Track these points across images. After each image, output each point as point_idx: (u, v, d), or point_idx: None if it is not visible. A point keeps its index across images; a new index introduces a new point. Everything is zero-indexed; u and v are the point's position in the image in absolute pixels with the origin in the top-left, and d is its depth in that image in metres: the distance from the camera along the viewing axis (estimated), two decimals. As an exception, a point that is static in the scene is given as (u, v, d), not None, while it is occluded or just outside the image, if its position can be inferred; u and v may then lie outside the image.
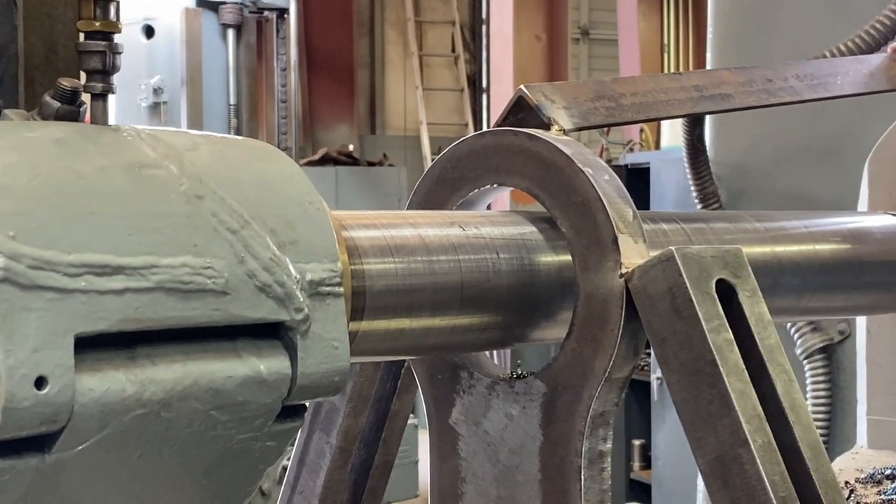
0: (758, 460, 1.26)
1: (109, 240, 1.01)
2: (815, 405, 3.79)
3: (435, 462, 1.51)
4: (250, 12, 10.27)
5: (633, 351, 1.38)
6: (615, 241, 1.35)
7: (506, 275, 1.37)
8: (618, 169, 8.36)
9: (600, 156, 8.88)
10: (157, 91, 10.13)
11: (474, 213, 1.43)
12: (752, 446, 1.27)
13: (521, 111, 1.51)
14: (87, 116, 1.14)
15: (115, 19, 1.12)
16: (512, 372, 1.47)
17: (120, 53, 1.13)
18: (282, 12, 10.42)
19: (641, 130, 9.52)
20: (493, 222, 1.41)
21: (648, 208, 7.66)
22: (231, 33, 10.37)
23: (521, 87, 1.49)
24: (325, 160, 12.71)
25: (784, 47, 3.78)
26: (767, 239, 1.72)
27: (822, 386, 3.80)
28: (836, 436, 3.73)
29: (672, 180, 7.46)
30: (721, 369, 1.29)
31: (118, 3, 1.13)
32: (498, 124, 1.52)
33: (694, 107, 1.62)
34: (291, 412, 1.15)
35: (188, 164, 1.09)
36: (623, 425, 8.48)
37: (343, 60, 15.10)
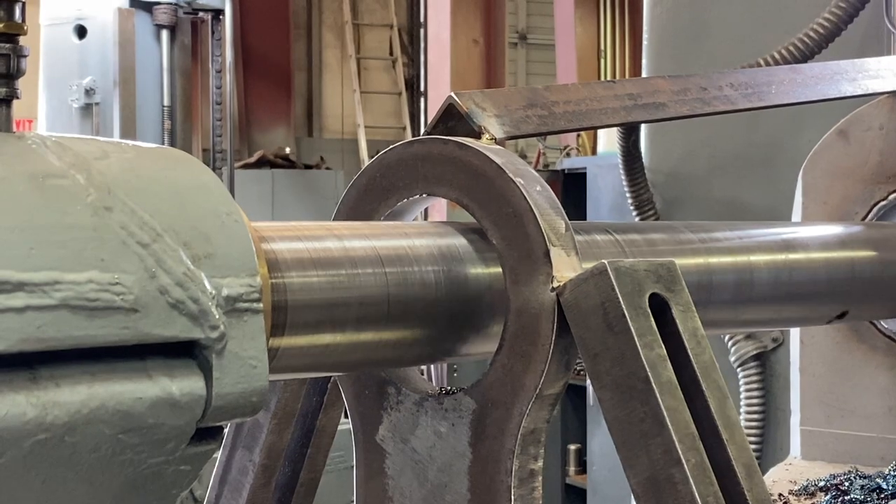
0: (691, 480, 1.23)
1: (9, 254, 0.95)
2: (748, 413, 3.79)
3: (361, 480, 1.46)
4: (185, 13, 10.14)
5: (564, 367, 1.34)
6: (547, 253, 1.32)
7: (433, 288, 1.33)
8: (555, 174, 8.36)
9: (537, 161, 8.90)
10: (88, 92, 9.96)
11: (401, 224, 1.39)
12: (686, 466, 1.23)
13: (452, 119, 1.47)
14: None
15: (20, 21, 1.06)
16: (441, 388, 1.43)
17: (25, 56, 1.07)
18: (217, 13, 10.30)
19: (578, 136, 9.53)
20: (421, 233, 1.36)
21: (585, 214, 7.69)
22: (165, 34, 10.23)
23: (452, 94, 1.45)
24: (261, 163, 12.59)
25: (719, 54, 3.77)
26: (702, 251, 1.69)
27: (755, 394, 3.80)
28: (770, 443, 3.73)
29: (609, 186, 7.47)
30: (654, 386, 1.25)
31: (23, 4, 1.07)
32: (428, 132, 1.47)
33: (627, 115, 1.58)
34: (207, 434, 1.10)
35: (96, 174, 1.03)
36: (559, 429, 8.48)
37: (280, 63, 15.00)
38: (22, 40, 1.08)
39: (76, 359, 0.99)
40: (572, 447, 8.53)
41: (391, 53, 15.51)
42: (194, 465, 1.10)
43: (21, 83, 1.10)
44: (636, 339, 1.26)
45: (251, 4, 13.68)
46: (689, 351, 1.31)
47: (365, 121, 14.69)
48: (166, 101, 10.27)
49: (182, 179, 1.10)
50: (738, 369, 3.85)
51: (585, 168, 7.89)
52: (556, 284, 1.31)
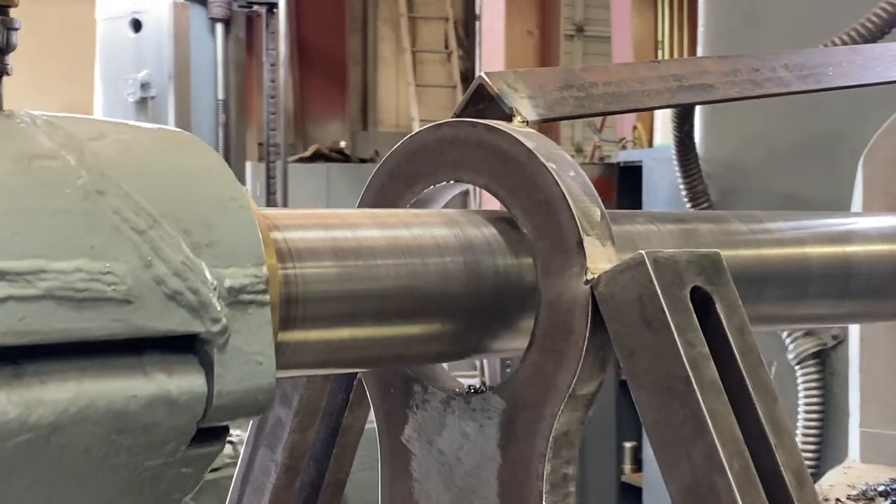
0: (735, 488, 1.13)
1: (-11, 241, 0.88)
2: (807, 413, 3.67)
3: (386, 483, 1.38)
4: (239, 6, 10.13)
5: (599, 365, 1.25)
6: (580, 243, 1.23)
7: (458, 280, 1.24)
8: (610, 167, 8.24)
9: (592, 154, 8.81)
10: (144, 86, 9.97)
11: (425, 212, 1.31)
12: (729, 473, 1.14)
13: (482, 101, 1.38)
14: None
15: (11, -9, 0.99)
16: (469, 386, 1.35)
17: (16, 30, 1.00)
18: (271, 7, 10.28)
19: (634, 128, 9.39)
20: (446, 222, 1.28)
21: (641, 207, 7.56)
22: (220, 27, 10.23)
23: (482, 74, 1.36)
24: (316, 157, 12.56)
25: (776, 41, 3.65)
26: (752, 242, 1.59)
27: (814, 393, 3.68)
28: (830, 445, 3.60)
29: (665, 179, 7.32)
30: (695, 386, 1.16)
31: (14, -26, 1.00)
32: (457, 115, 1.39)
33: (672, 97, 1.49)
34: (210, 435, 1.02)
35: (89, 156, 0.96)
36: (614, 427, 8.37)
37: (335, 56, 14.97)
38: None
39: (64, 354, 0.92)
40: (628, 445, 8.42)
41: (446, 46, 15.43)
42: (197, 468, 1.03)
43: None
44: (676, 335, 1.17)
45: (307, -2, 13.68)
46: (734, 348, 1.22)
47: (420, 114, 14.61)
48: (221, 95, 10.27)
49: (185, 163, 1.02)
50: (797, 367, 3.73)
51: (641, 161, 7.77)
52: (590, 276, 1.22)
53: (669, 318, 1.18)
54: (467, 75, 15.21)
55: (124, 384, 0.94)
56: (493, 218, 1.32)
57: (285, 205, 10.16)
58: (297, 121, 14.28)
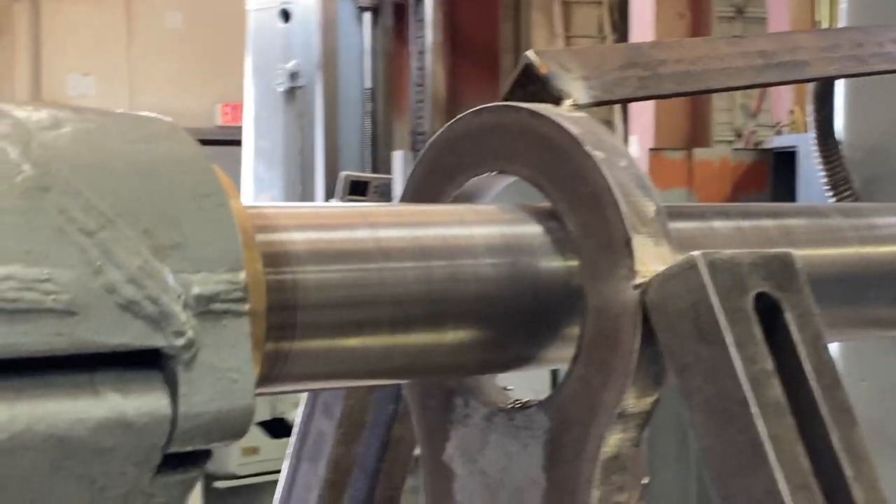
0: (798, 530, 0.98)
1: None
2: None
3: (429, 506, 1.26)
4: (387, -5, 10.14)
5: (653, 380, 1.10)
6: (628, 242, 1.08)
7: (491, 283, 1.11)
8: (762, 154, 7.93)
9: (748, 140, 8.48)
10: (293, 76, 10.07)
11: (459, 209, 1.17)
12: (792, 511, 0.98)
13: (532, 83, 1.24)
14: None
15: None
16: (515, 400, 1.21)
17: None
18: (419, -5, 10.25)
19: (791, 112, 9.02)
20: (483, 219, 1.15)
21: (794, 196, 7.24)
22: (367, 16, 10.25)
23: (529, 52, 1.22)
24: (467, 145, 12.47)
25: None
26: (854, 239, 1.41)
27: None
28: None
29: (823, 165, 7.01)
30: (754, 409, 1.00)
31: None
32: (504, 99, 1.25)
33: (756, 76, 1.32)
34: (184, 460, 0.91)
35: (36, 148, 0.86)
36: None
37: (488, 44, 14.85)
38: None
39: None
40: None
41: (600, 31, 15.16)
42: (172, 496, 0.92)
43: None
44: (733, 349, 1.02)
45: (460, -15, 13.59)
46: (805, 364, 1.05)
47: (574, 101, 14.37)
48: (368, 84, 10.29)
49: (153, 154, 0.91)
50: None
51: (796, 147, 7.44)
52: (639, 280, 1.07)
53: (725, 330, 1.02)
54: (622, 60, 14.89)
55: (69, 406, 0.83)
56: (536, 214, 1.18)
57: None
58: (449, 108, 14.22)
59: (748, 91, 9.09)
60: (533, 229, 1.16)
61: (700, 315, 1.03)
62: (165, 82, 14.90)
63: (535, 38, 15.38)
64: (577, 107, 1.20)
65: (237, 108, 12.84)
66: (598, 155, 1.10)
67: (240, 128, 10.94)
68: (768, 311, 1.06)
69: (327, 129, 9.88)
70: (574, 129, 1.12)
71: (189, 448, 0.90)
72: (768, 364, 1.03)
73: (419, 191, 1.25)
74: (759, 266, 1.07)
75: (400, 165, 10.45)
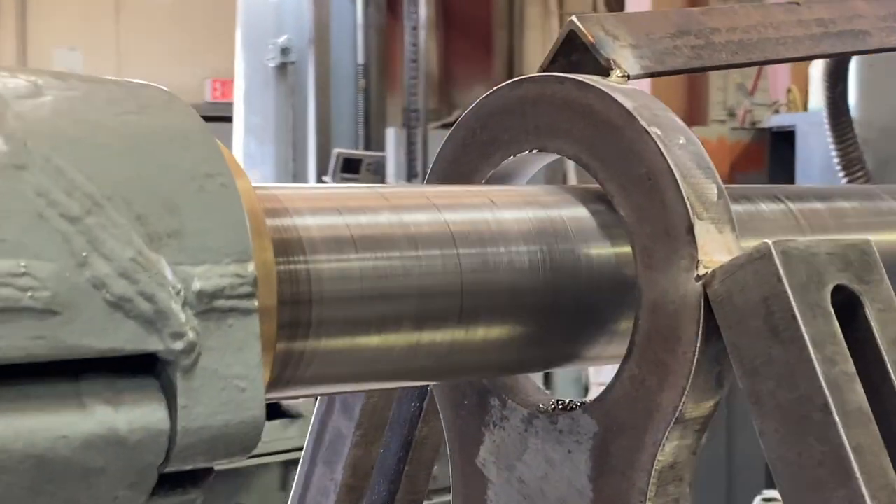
0: (887, 552, 0.87)
1: None
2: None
3: (459, 514, 1.15)
4: (380, -31, 10.00)
5: (715, 382, 0.99)
6: (690, 229, 0.97)
7: (530, 273, 1.00)
8: (760, 133, 7.83)
9: (742, 119, 8.35)
10: (284, 51, 9.92)
11: (494, 190, 1.06)
12: (880, 531, 0.88)
13: (576, 51, 1.13)
14: None
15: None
16: (557, 401, 1.10)
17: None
18: (412, -31, 10.12)
19: (789, 90, 8.92)
20: (521, 202, 1.04)
21: (793, 176, 7.14)
22: (360, -9, 10.10)
23: (573, 18, 1.11)
24: (459, 122, 12.37)
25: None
26: (915, 223, 1.31)
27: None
28: None
29: (822, 145, 6.89)
30: (836, 416, 0.90)
31: None
32: (544, 69, 1.14)
33: (815, 47, 1.21)
34: (183, 480, 0.80)
35: (12, 119, 0.74)
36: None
37: (481, 20, 14.74)
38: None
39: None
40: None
41: (595, 9, 15.04)
42: (171, 519, 0.81)
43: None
44: (811, 349, 0.91)
45: (452, -39, 13.46)
46: (889, 367, 0.95)
47: (567, 78, 14.27)
48: (361, 60, 10.15)
49: (148, 128, 0.79)
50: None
51: (794, 126, 7.35)
52: (702, 271, 0.96)
53: (803, 328, 0.91)
54: (615, 38, 14.79)
55: (51, 420, 0.72)
56: (584, 196, 1.07)
57: (425, 172, 10.01)
58: (442, 86, 14.10)
59: (744, 69, 8.97)
60: (578, 212, 1.05)
61: (773, 311, 0.93)
62: (154, 57, 14.70)
63: (528, 15, 15.24)
64: (627, 78, 1.09)
65: (227, 83, 12.69)
66: (654, 131, 0.99)
67: (230, 104, 10.80)
68: (846, 306, 0.96)
69: (319, 105, 9.75)
70: (627, 103, 1.01)
71: (189, 467, 0.79)
72: (849, 366, 0.92)
73: (450, 170, 1.14)
74: (836, 256, 0.96)
75: (393, 142, 10.33)
